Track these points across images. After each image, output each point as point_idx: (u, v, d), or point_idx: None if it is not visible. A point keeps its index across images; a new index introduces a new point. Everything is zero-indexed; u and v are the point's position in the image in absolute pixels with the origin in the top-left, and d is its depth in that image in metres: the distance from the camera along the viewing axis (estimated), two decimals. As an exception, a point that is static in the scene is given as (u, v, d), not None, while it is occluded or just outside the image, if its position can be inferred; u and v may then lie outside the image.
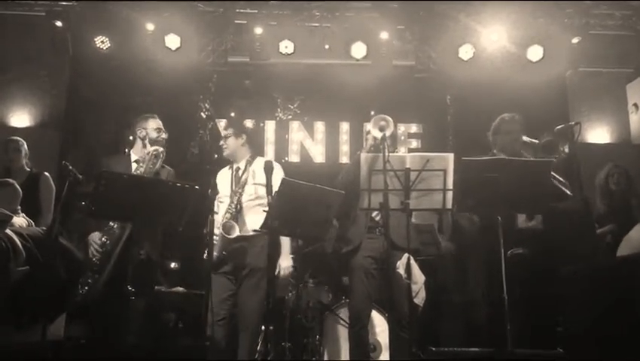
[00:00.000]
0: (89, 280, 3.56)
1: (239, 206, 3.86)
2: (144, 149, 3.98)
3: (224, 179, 4.01)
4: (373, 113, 6.41)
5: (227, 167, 4.12)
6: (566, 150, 3.78)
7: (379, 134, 3.47)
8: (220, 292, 3.75)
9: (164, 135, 4.03)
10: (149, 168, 3.84)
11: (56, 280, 3.27)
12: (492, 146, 4.14)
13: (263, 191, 3.70)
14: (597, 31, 6.13)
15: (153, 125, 4.03)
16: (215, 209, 3.91)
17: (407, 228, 3.36)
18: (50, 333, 3.21)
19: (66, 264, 3.44)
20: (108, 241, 3.67)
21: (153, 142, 3.97)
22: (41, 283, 3.16)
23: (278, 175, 3.71)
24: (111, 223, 3.71)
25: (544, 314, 3.80)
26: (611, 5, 6.06)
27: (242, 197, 3.89)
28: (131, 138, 4.15)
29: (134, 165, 3.95)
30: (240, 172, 3.99)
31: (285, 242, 3.94)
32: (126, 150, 4.18)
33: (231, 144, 4.07)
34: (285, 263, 3.92)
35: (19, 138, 4.39)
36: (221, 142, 4.07)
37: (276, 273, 3.87)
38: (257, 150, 4.27)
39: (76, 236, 3.95)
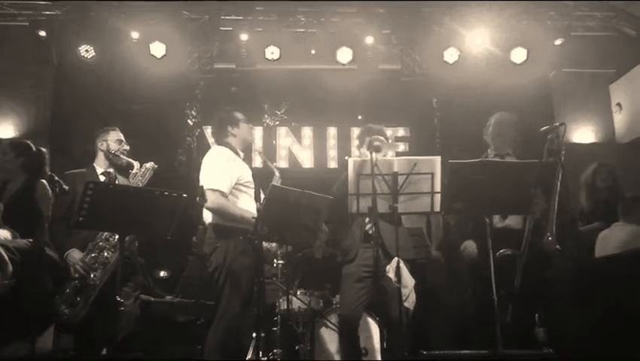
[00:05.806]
0: (79, 299, 3.49)
1: None
2: (107, 161, 3.96)
3: (240, 164, 3.76)
4: (360, 117, 6.52)
5: (234, 155, 3.85)
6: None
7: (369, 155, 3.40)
8: None
9: (126, 147, 4.01)
10: (143, 183, 3.83)
11: (44, 292, 3.24)
12: (490, 145, 4.19)
13: None
14: (579, 33, 6.20)
15: (114, 137, 4.00)
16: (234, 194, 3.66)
17: (396, 233, 3.36)
18: (38, 346, 3.19)
19: (53, 275, 3.41)
20: (107, 255, 3.61)
21: (114, 154, 3.94)
22: (29, 296, 3.13)
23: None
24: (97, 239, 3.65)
25: (531, 314, 3.83)
26: (593, 7, 6.14)
27: None
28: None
29: (101, 178, 3.90)
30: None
31: None
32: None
33: None
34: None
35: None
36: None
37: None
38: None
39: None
